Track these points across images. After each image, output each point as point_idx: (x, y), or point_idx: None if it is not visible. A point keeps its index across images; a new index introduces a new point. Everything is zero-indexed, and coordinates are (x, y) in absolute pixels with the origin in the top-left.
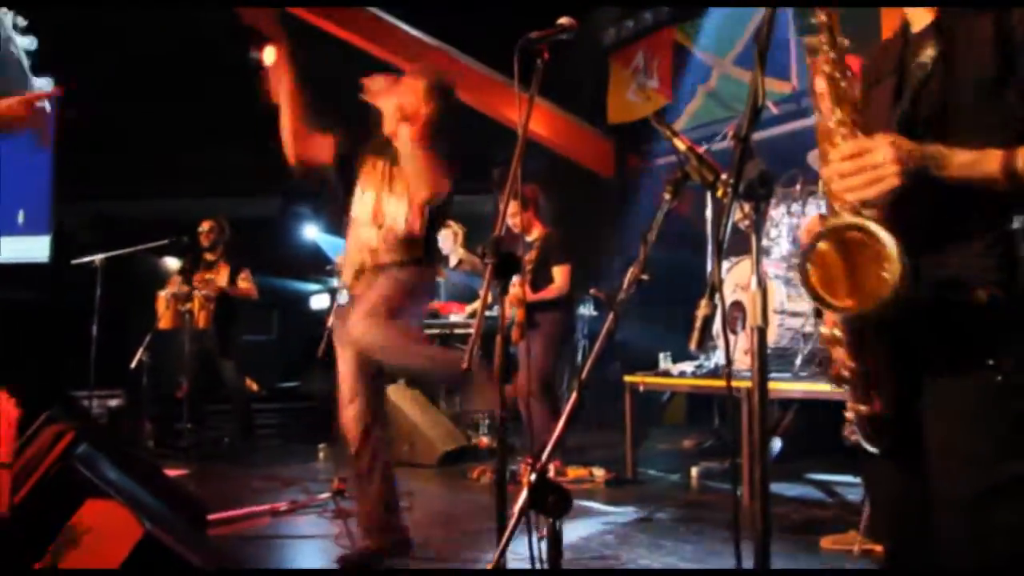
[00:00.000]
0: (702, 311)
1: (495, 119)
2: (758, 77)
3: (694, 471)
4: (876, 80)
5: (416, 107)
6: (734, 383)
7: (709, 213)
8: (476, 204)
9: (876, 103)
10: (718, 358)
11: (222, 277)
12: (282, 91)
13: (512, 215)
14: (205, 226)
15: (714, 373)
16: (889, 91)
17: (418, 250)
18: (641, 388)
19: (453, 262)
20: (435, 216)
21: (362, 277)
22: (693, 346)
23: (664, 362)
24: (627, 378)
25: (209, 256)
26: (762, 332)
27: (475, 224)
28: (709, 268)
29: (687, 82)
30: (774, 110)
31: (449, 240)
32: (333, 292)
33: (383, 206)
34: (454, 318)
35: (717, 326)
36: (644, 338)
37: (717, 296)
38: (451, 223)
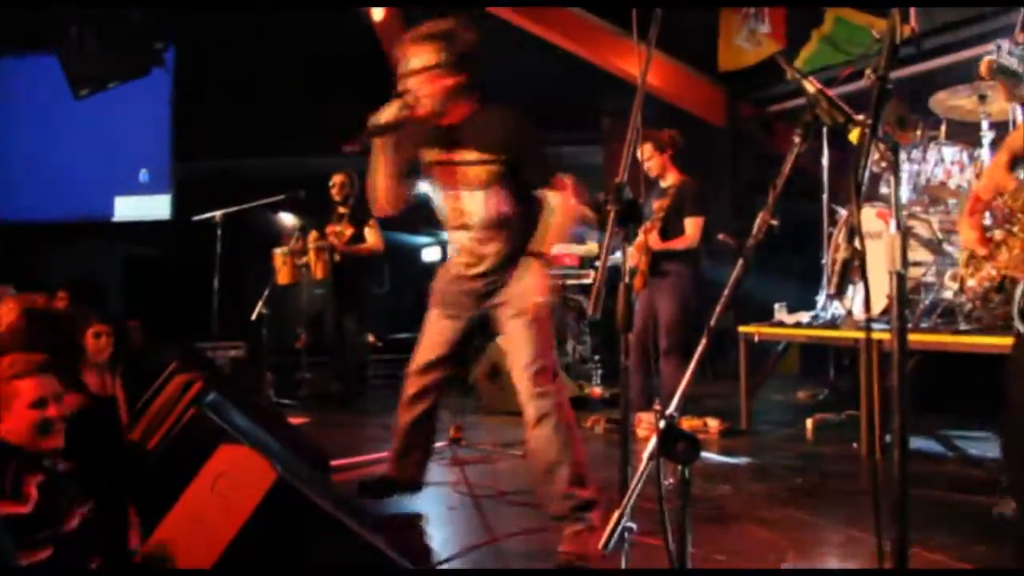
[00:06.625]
0: (841, 254)
1: (603, 68)
2: (895, 13)
3: (809, 423)
4: None
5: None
6: (851, 334)
7: (826, 160)
8: (586, 155)
9: None
10: (835, 308)
11: (348, 232)
12: (383, 146)
13: (647, 158)
14: (337, 179)
15: (831, 324)
16: None
17: None
18: (756, 338)
19: None
20: None
21: None
22: (832, 291)
23: (779, 312)
24: (741, 328)
25: (341, 209)
26: (901, 277)
27: (584, 175)
28: (825, 217)
29: (800, 26)
30: None
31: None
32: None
33: None
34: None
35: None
36: (758, 287)
37: (856, 240)
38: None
